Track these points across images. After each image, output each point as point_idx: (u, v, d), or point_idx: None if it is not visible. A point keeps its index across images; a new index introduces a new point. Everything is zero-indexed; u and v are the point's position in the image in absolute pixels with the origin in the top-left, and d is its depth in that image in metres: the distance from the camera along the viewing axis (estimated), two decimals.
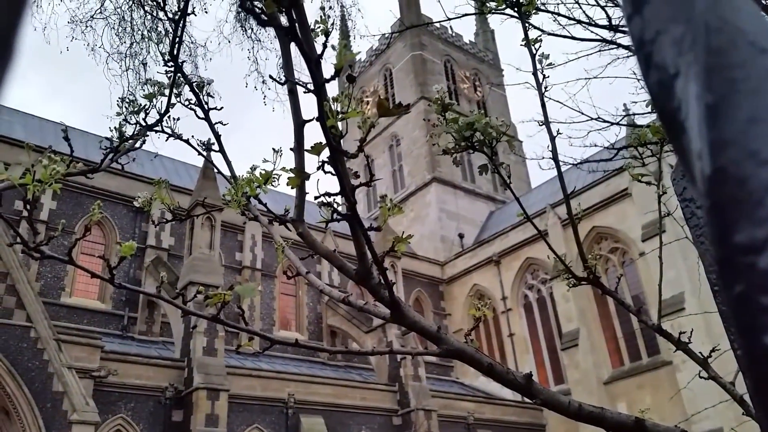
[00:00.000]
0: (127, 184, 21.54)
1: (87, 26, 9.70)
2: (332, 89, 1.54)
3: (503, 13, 2.75)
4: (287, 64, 1.74)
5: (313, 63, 1.48)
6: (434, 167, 36.18)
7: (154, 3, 9.07)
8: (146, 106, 3.08)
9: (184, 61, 3.00)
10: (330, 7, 11.00)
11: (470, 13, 6.23)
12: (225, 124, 2.70)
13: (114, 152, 3.72)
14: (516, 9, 2.59)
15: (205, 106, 2.68)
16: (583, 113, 6.49)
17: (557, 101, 6.35)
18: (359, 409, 21.22)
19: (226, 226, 23.41)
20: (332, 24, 1.57)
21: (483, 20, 44.42)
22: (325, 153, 1.58)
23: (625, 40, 6.21)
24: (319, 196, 1.70)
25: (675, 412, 17.59)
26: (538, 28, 5.23)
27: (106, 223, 22.83)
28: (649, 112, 6.13)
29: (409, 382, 22.21)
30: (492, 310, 29.69)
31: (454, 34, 43.25)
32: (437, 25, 39.83)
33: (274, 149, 2.08)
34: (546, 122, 2.61)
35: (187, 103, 2.75)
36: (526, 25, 2.65)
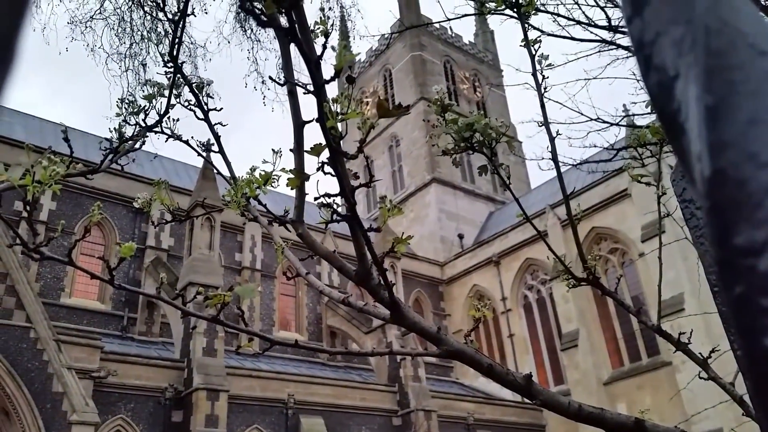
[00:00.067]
0: (127, 185, 21.54)
1: (87, 27, 9.71)
2: (332, 90, 1.54)
3: (503, 14, 2.75)
4: (287, 65, 1.74)
5: (313, 64, 1.48)
6: (434, 168, 36.19)
7: (154, 3, 9.07)
8: (146, 107, 3.08)
9: (183, 62, 3.00)
10: (329, 8, 11.01)
11: (470, 14, 6.23)
12: (225, 125, 2.70)
13: (114, 153, 3.72)
14: (515, 10, 2.59)
15: (205, 107, 2.68)
16: (582, 114, 6.50)
17: (557, 102, 6.36)
18: (359, 410, 21.21)
19: (225, 226, 23.41)
20: (332, 25, 1.57)
21: (483, 21, 44.45)
22: (325, 154, 1.58)
23: (625, 41, 6.22)
24: (318, 197, 1.71)
25: (675, 413, 17.60)
26: (538, 29, 5.24)
27: (105, 224, 22.82)
28: (648, 113, 6.14)
29: (408, 383, 22.21)
30: (492, 311, 29.68)
31: (453, 35, 43.27)
32: (437, 25, 39.86)
33: (273, 150, 2.08)
34: (545, 123, 2.61)
35: (186, 103, 2.75)
36: (526, 25, 2.65)
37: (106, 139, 3.62)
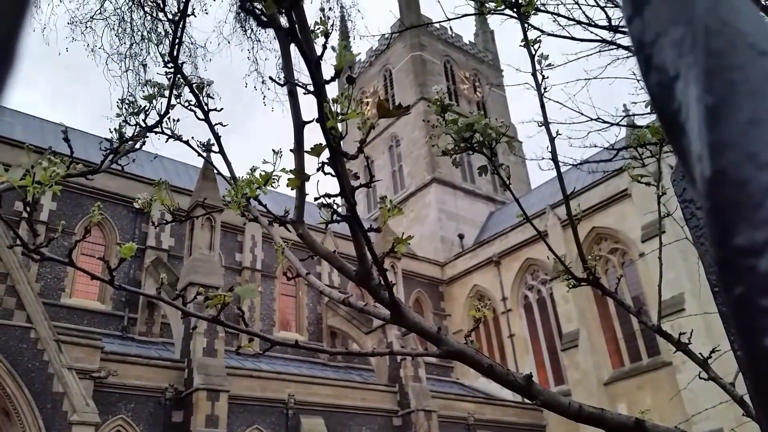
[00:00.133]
0: (127, 185, 21.54)
1: (87, 27, 9.71)
2: (332, 90, 1.54)
3: (502, 14, 2.75)
4: (287, 66, 1.74)
5: (313, 64, 1.48)
6: (434, 168, 36.19)
7: (154, 4, 9.07)
8: (146, 107, 3.08)
9: (183, 62, 3.00)
10: (330, 8, 11.01)
11: (470, 14, 6.23)
12: (225, 125, 2.70)
13: (114, 153, 3.72)
14: (515, 10, 2.59)
15: (205, 107, 2.68)
16: (582, 114, 6.50)
17: (557, 102, 6.35)
18: (359, 410, 21.21)
19: (226, 226, 23.41)
20: (332, 25, 1.57)
21: (483, 21, 44.46)
22: (325, 154, 1.58)
23: (625, 41, 6.21)
24: (319, 198, 1.71)
25: (675, 413, 17.60)
26: (538, 29, 5.24)
27: (106, 224, 22.82)
28: (649, 113, 6.14)
29: (409, 383, 22.21)
30: (492, 311, 29.66)
31: (453, 35, 43.27)
32: (437, 25, 39.86)
33: (273, 150, 2.08)
34: (545, 123, 2.61)
35: (186, 104, 2.75)
36: (526, 25, 2.65)
37: (107, 139, 3.62)
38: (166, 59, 3.00)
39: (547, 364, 28.20)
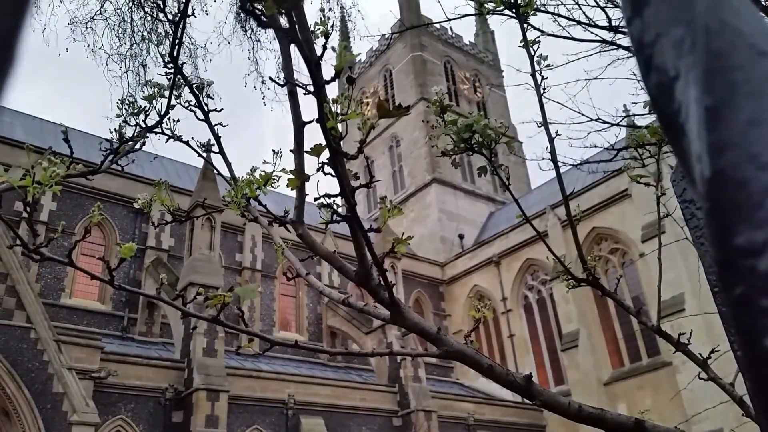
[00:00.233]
0: (127, 186, 21.54)
1: (87, 27, 9.71)
2: (332, 90, 1.54)
3: (502, 14, 2.75)
4: (287, 66, 1.74)
5: (313, 65, 1.49)
6: (434, 168, 36.19)
7: (154, 4, 9.07)
8: (146, 108, 3.08)
9: (184, 63, 3.00)
10: (330, 9, 11.01)
11: (470, 14, 6.23)
12: (225, 126, 2.70)
13: (114, 154, 3.72)
14: (514, 10, 2.59)
15: (205, 108, 2.68)
16: (583, 114, 6.50)
17: (557, 102, 6.35)
18: (359, 410, 21.21)
19: (226, 227, 23.41)
20: (332, 26, 1.57)
21: (483, 21, 44.47)
22: (325, 154, 1.58)
23: (625, 41, 6.21)
24: (319, 198, 1.71)
25: (675, 413, 17.60)
26: (538, 29, 5.23)
27: (106, 224, 22.82)
28: (648, 113, 6.14)
29: (409, 383, 22.21)
30: (492, 311, 29.65)
31: (454, 35, 43.27)
32: (437, 26, 39.86)
33: (273, 150, 2.09)
34: (545, 123, 2.61)
35: (187, 104, 2.75)
36: (525, 26, 2.65)
37: (107, 139, 3.62)
38: (166, 60, 3.00)
39: (547, 364, 28.20)
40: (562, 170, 2.80)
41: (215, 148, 2.72)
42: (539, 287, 29.24)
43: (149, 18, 9.45)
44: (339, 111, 1.56)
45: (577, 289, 2.94)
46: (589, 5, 6.22)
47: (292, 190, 1.86)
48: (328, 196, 1.69)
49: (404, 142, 38.94)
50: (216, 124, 2.67)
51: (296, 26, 1.47)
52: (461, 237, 35.05)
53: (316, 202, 1.75)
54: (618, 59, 6.91)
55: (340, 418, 20.67)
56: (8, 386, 14.58)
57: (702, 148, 0.37)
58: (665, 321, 3.18)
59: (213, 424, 17.08)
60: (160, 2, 7.78)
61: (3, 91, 0.38)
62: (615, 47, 6.38)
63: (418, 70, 39.52)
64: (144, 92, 3.02)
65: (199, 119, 2.68)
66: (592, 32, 6.23)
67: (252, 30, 10.55)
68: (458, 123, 2.25)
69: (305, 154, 1.76)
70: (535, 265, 29.09)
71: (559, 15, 6.09)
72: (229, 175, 2.56)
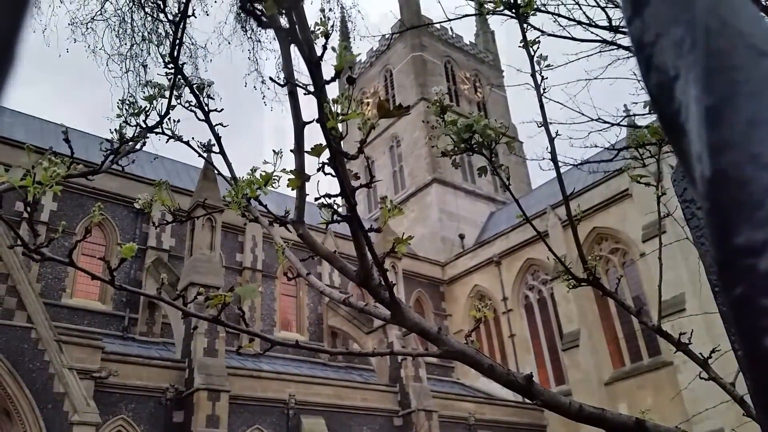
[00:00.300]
0: (128, 186, 21.55)
1: (87, 28, 9.71)
2: (332, 90, 1.54)
3: (502, 14, 2.75)
4: (287, 66, 1.74)
5: (314, 65, 1.49)
6: (435, 168, 36.20)
7: (155, 5, 9.07)
8: (146, 108, 3.08)
9: (184, 63, 3.00)
10: (330, 9, 11.01)
11: (470, 14, 6.23)
12: (225, 126, 2.70)
13: (114, 154, 3.72)
14: (513, 10, 2.59)
15: (206, 108, 2.68)
16: (583, 114, 6.49)
17: (558, 102, 6.34)
18: (360, 410, 21.21)
19: (226, 227, 23.42)
20: (332, 26, 1.57)
21: (483, 21, 44.46)
22: (326, 154, 1.58)
23: (626, 41, 6.21)
24: (319, 198, 1.71)
25: (676, 413, 17.59)
26: (538, 29, 5.23)
27: (106, 225, 22.83)
28: (649, 113, 6.13)
29: (409, 383, 22.21)
30: (492, 311, 29.65)
31: (454, 35, 43.27)
32: (437, 26, 39.86)
33: (274, 151, 2.09)
34: (545, 124, 2.61)
35: (187, 104, 2.75)
36: (525, 26, 2.65)
37: (107, 140, 3.62)
38: (166, 60, 3.01)
39: (547, 364, 28.19)
40: (562, 170, 2.80)
41: (216, 149, 2.73)
42: (540, 287, 29.24)
43: (149, 18, 9.45)
44: (339, 111, 1.56)
45: (578, 289, 2.94)
46: (589, 5, 6.22)
47: (292, 190, 1.86)
48: (329, 196, 1.69)
49: (405, 142, 38.94)
50: (216, 124, 2.67)
51: (296, 26, 1.47)
52: (462, 237, 35.04)
53: (317, 202, 1.75)
54: (618, 59, 6.91)
55: (341, 418, 20.67)
56: (9, 386, 14.59)
57: (702, 148, 0.37)
58: (666, 321, 3.18)
59: (214, 424, 17.09)
60: (161, 3, 7.78)
61: (3, 91, 0.38)
62: (615, 47, 6.38)
63: (418, 70, 39.52)
64: (144, 92, 3.02)
65: (199, 119, 2.69)
66: (592, 32, 6.23)
67: (252, 30, 10.56)
68: (458, 123, 2.25)
69: (306, 154, 1.76)
70: (536, 265, 29.08)
71: (559, 15, 6.09)
72: (229, 175, 2.56)
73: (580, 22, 6.13)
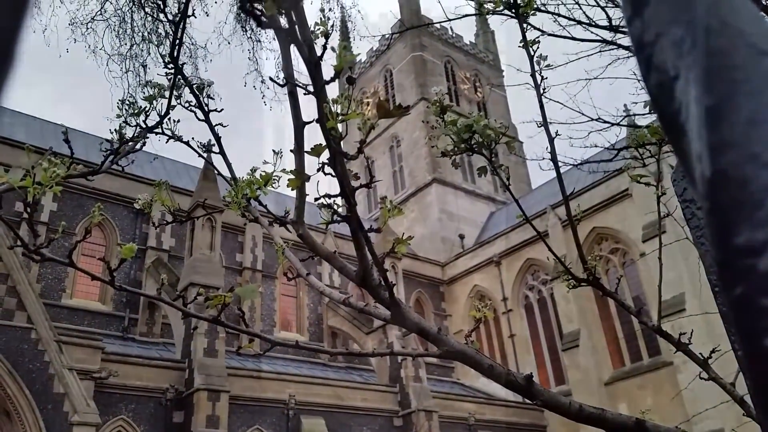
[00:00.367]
0: (128, 186, 21.55)
1: (87, 28, 9.71)
2: (332, 90, 1.54)
3: (502, 14, 2.75)
4: (287, 66, 1.74)
5: (313, 65, 1.48)
6: (435, 168, 36.20)
7: (155, 5, 9.07)
8: (146, 108, 3.08)
9: (184, 63, 3.00)
10: (330, 9, 11.00)
11: (470, 14, 6.23)
12: (225, 126, 2.70)
13: (114, 154, 3.72)
14: (513, 10, 2.59)
15: (206, 108, 2.68)
16: (583, 114, 6.49)
17: (558, 102, 6.34)
18: (360, 410, 21.21)
19: (226, 227, 23.41)
20: (332, 26, 1.57)
21: (483, 21, 44.46)
22: (326, 154, 1.58)
23: (626, 41, 6.21)
24: (319, 198, 1.71)
25: (676, 413, 17.59)
26: (538, 29, 5.23)
27: (106, 225, 22.83)
28: (649, 113, 6.13)
29: (409, 383, 22.21)
30: (492, 311, 29.64)
31: (454, 35, 43.28)
32: (437, 26, 39.86)
33: (274, 151, 2.09)
34: (545, 124, 2.61)
35: (187, 105, 2.75)
36: (525, 26, 2.65)
37: (107, 140, 3.62)
38: (166, 60, 3.01)
39: (547, 364, 28.19)
40: (562, 170, 2.80)
41: (215, 149, 2.73)
42: (540, 287, 29.24)
43: (149, 18, 9.45)
44: (339, 111, 1.56)
45: (578, 289, 2.94)
46: (589, 5, 6.22)
47: (292, 190, 1.86)
48: (329, 196, 1.69)
49: (405, 142, 38.94)
50: (216, 125, 2.67)
51: (296, 26, 1.47)
52: (462, 237, 35.04)
53: (317, 203, 1.75)
54: (618, 59, 6.91)
55: (341, 419, 20.67)
56: (9, 387, 14.59)
57: (702, 148, 0.37)
58: (666, 321, 3.18)
59: (214, 425, 17.09)
60: (161, 3, 7.78)
61: (3, 91, 0.38)
62: (615, 47, 6.38)
63: (418, 70, 39.53)
64: (144, 93, 3.02)
65: (199, 119, 2.68)
66: (592, 32, 6.23)
67: (252, 30, 10.55)
68: (458, 123, 2.25)
69: (305, 155, 1.76)
70: (536, 265, 29.08)
71: (559, 15, 6.09)
72: (229, 176, 2.56)
73: (580, 22, 6.13)
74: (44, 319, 15.68)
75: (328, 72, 1.49)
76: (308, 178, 1.78)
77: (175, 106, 2.95)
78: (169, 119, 3.04)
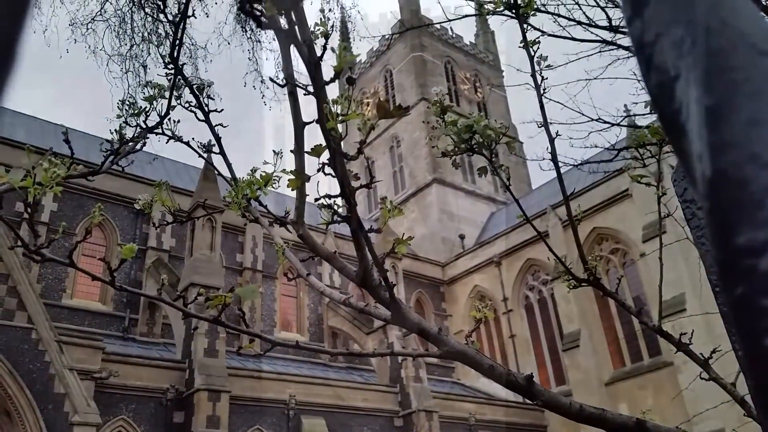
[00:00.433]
0: (128, 186, 21.54)
1: (88, 29, 9.72)
2: (332, 91, 1.54)
3: (502, 14, 2.75)
4: (287, 67, 1.74)
5: (313, 65, 1.48)
6: (435, 168, 36.20)
7: (155, 5, 9.07)
8: (146, 109, 3.08)
9: (184, 63, 3.00)
10: (330, 9, 11.00)
11: (470, 15, 6.24)
12: (225, 126, 2.70)
13: (114, 154, 3.72)
14: (513, 11, 2.59)
15: (206, 108, 2.68)
16: (583, 114, 6.49)
17: (558, 102, 6.34)
18: (360, 411, 21.21)
19: (226, 227, 23.42)
20: (332, 26, 1.57)
21: (483, 21, 44.48)
22: (326, 155, 1.58)
23: (626, 41, 6.21)
24: (319, 198, 1.71)
25: (676, 413, 17.58)
26: (538, 29, 5.23)
27: (107, 225, 22.83)
28: (649, 113, 6.13)
29: (410, 383, 22.21)
30: (493, 312, 29.64)
31: (454, 36, 43.29)
32: (437, 26, 39.88)
33: (274, 151, 2.09)
34: (545, 124, 2.61)
35: (187, 105, 2.75)
36: (525, 26, 2.65)
37: (107, 140, 3.62)
38: (166, 60, 3.01)
39: (548, 364, 28.19)
40: (562, 170, 2.80)
41: (216, 149, 2.73)
42: (540, 287, 29.23)
43: (149, 19, 9.45)
44: (339, 111, 1.56)
45: (578, 289, 2.94)
46: (589, 5, 6.22)
47: (292, 190, 1.86)
48: (329, 196, 1.69)
49: (405, 142, 38.94)
50: (216, 125, 2.67)
51: (296, 27, 1.47)
52: (462, 237, 35.04)
53: (317, 203, 1.75)
54: (618, 59, 6.91)
55: (342, 419, 20.67)
56: (10, 387, 14.59)
57: (703, 148, 0.37)
58: (666, 321, 3.18)
59: (214, 425, 17.09)
60: (161, 3, 7.78)
61: (4, 91, 0.38)
62: (615, 47, 6.38)
63: (418, 71, 39.53)
64: (144, 93, 3.02)
65: (199, 120, 2.68)
66: (592, 32, 6.23)
67: (252, 30, 10.55)
68: (458, 124, 2.25)
69: (306, 155, 1.76)
70: (536, 265, 29.08)
71: (559, 15, 6.09)
72: (229, 176, 2.56)
73: (580, 22, 6.13)
74: (45, 319, 15.68)
75: (328, 72, 1.49)
76: (308, 178, 1.78)
77: (175, 106, 2.95)
78: (169, 119, 3.04)
